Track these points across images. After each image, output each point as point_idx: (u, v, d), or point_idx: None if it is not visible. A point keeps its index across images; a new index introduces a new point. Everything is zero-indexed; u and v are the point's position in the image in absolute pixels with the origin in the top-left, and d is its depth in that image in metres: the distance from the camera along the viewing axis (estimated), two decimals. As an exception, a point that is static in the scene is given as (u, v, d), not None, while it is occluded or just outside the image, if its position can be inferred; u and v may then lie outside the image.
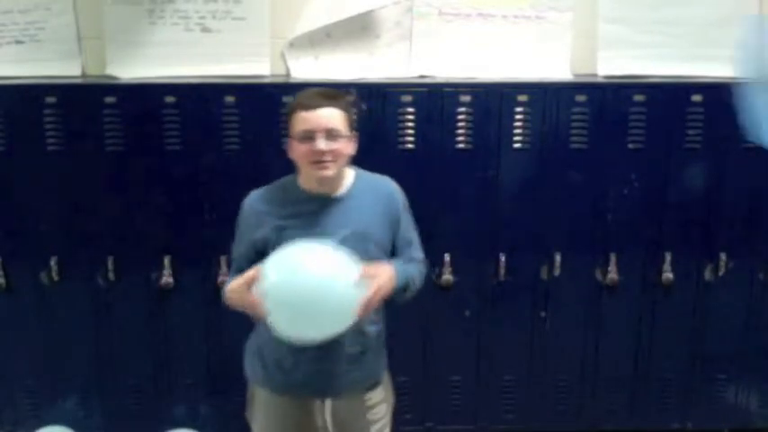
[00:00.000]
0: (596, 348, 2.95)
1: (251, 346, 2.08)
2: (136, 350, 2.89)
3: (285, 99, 2.68)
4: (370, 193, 1.98)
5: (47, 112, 2.68)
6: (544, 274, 2.86)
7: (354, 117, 1.96)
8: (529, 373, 2.97)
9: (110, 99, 2.68)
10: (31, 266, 2.80)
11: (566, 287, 2.87)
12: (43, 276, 2.80)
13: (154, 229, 2.78)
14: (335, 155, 1.86)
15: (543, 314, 2.90)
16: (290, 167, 2.73)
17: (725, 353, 2.98)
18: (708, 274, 2.89)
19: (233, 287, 1.87)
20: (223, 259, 2.78)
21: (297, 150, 1.89)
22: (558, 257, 2.83)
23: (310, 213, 1.92)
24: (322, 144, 1.84)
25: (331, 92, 1.93)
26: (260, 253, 1.91)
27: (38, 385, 2.93)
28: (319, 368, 1.93)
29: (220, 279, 2.78)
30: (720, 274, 2.88)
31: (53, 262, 2.78)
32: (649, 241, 2.86)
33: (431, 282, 2.81)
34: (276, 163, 2.72)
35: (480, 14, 2.98)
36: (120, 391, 2.93)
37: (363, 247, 1.89)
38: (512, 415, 3.02)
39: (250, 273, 1.78)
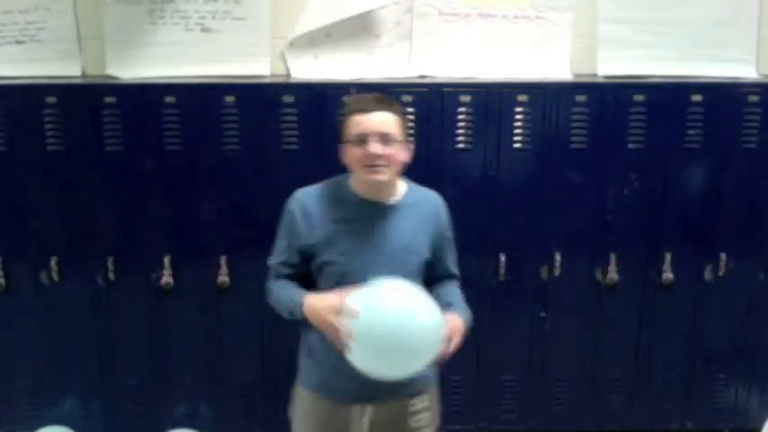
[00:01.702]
0: (596, 348, 2.95)
1: (302, 349, 2.06)
2: (136, 350, 2.89)
3: (285, 99, 2.69)
4: (419, 206, 1.97)
5: (47, 112, 2.68)
6: (544, 274, 2.86)
7: (408, 123, 1.95)
8: (529, 373, 2.97)
9: (110, 99, 2.68)
10: (31, 266, 2.80)
11: (566, 287, 2.87)
12: (43, 276, 2.80)
13: (154, 229, 2.78)
14: (389, 159, 1.85)
15: (543, 314, 2.90)
16: (290, 167, 2.74)
17: (725, 353, 2.98)
18: (708, 274, 2.89)
19: (314, 304, 1.83)
20: (223, 259, 2.78)
21: (350, 154, 1.88)
22: (558, 257, 2.83)
23: (360, 219, 1.91)
24: (376, 148, 1.83)
25: (385, 97, 1.94)
26: (305, 258, 1.92)
27: (38, 385, 2.93)
28: (361, 376, 1.88)
29: (220, 279, 2.78)
30: (720, 274, 2.88)
31: (53, 262, 2.78)
32: (649, 241, 2.86)
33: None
34: (276, 162, 2.74)
35: (480, 14, 2.98)
36: (120, 391, 2.93)
37: (406, 259, 1.91)
38: (512, 415, 3.02)
39: (336, 299, 1.76)
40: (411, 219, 1.94)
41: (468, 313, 1.97)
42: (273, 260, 1.99)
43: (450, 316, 1.86)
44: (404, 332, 1.71)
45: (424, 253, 1.96)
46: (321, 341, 1.89)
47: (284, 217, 1.96)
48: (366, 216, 1.92)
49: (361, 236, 1.89)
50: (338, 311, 1.74)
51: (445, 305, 1.92)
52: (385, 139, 1.84)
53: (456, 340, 1.82)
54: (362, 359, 1.75)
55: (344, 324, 1.72)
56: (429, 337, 1.74)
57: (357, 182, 1.93)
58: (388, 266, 1.86)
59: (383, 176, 1.85)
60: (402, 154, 1.90)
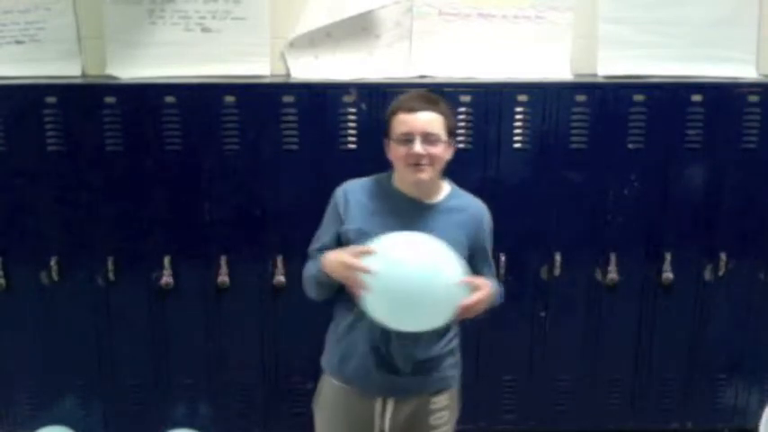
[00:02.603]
0: (596, 348, 2.95)
1: (331, 335, 2.08)
2: (136, 350, 2.89)
3: (285, 99, 2.69)
4: (461, 210, 1.99)
5: (47, 112, 2.68)
6: (544, 274, 2.86)
7: (455, 122, 1.97)
8: (529, 373, 2.97)
9: (110, 99, 2.68)
10: (31, 266, 2.80)
11: (566, 287, 2.87)
12: (43, 276, 2.80)
13: (154, 229, 2.78)
14: (432, 159, 1.88)
15: (543, 314, 2.90)
16: (290, 167, 2.74)
17: (725, 353, 2.98)
18: (708, 274, 2.89)
19: (330, 258, 1.86)
20: (223, 259, 2.78)
21: (394, 152, 1.92)
22: (558, 257, 2.83)
23: (399, 215, 1.93)
24: (419, 147, 1.86)
25: (432, 96, 1.95)
26: (340, 245, 1.94)
27: (38, 385, 2.93)
28: (386, 370, 1.95)
29: (220, 279, 2.78)
30: (720, 274, 2.88)
31: (53, 262, 2.77)
32: (649, 241, 2.86)
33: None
34: (276, 162, 2.74)
35: (480, 14, 2.98)
36: (120, 391, 2.93)
37: None
38: (512, 415, 3.02)
39: (358, 249, 1.79)
40: (449, 221, 1.95)
41: (498, 292, 1.98)
42: (312, 246, 2.04)
43: (481, 278, 1.89)
44: (420, 283, 1.72)
45: (461, 258, 1.94)
46: (351, 329, 1.94)
47: (329, 205, 2.02)
48: (405, 213, 1.94)
49: (396, 231, 1.89)
50: (354, 268, 1.76)
51: None
52: (429, 139, 1.87)
53: (479, 296, 1.81)
54: (380, 309, 1.78)
55: (360, 277, 1.75)
56: (445, 286, 1.75)
57: (400, 179, 1.96)
58: None
59: (425, 175, 1.89)
60: (446, 153, 1.93)
